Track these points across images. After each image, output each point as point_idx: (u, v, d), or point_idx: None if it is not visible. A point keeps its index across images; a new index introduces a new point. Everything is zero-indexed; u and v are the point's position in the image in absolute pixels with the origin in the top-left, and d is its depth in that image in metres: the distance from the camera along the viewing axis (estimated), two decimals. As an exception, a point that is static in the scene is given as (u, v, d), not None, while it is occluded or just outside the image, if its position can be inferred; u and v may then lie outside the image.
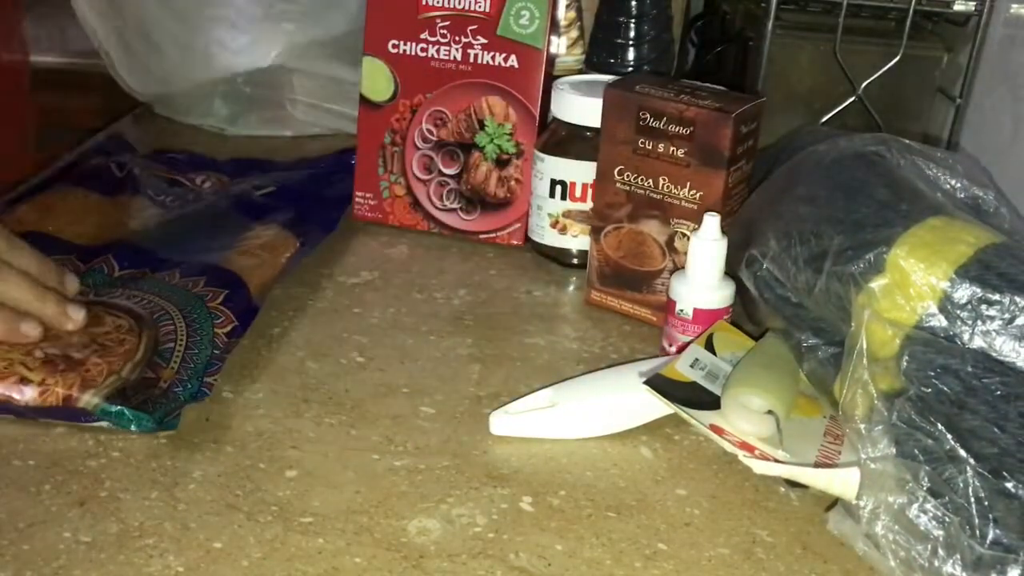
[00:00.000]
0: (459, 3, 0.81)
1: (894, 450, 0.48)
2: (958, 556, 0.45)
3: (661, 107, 0.67)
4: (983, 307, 0.50)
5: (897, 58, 0.81)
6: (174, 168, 0.87)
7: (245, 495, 0.52)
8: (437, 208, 0.84)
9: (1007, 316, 0.49)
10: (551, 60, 0.84)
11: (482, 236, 0.84)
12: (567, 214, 0.78)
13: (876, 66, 0.81)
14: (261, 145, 0.99)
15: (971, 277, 0.50)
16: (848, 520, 0.50)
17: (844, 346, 0.53)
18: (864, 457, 0.49)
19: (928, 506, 0.46)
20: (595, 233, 0.73)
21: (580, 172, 0.76)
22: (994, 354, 0.49)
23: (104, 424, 0.56)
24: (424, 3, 0.81)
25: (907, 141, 0.62)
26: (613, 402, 0.60)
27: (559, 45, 0.95)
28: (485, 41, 0.81)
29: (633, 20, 0.92)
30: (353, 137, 0.87)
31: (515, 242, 0.83)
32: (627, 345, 0.70)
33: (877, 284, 0.52)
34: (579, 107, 0.76)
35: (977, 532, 0.45)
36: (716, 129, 0.65)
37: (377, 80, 0.84)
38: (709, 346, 0.62)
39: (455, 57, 0.82)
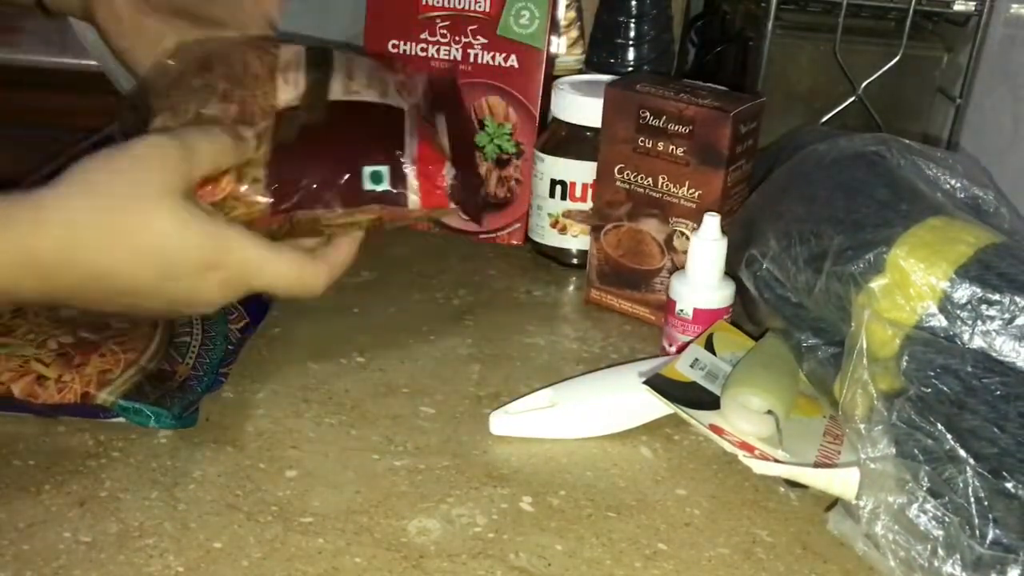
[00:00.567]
0: (459, 3, 0.81)
1: (894, 450, 0.48)
2: (958, 556, 0.45)
3: (661, 105, 0.67)
4: (983, 307, 0.50)
5: (897, 58, 0.81)
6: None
7: (245, 495, 0.52)
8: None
9: (1007, 316, 0.49)
10: (551, 60, 0.84)
11: (482, 236, 0.84)
12: (567, 214, 0.78)
13: (876, 66, 0.81)
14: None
15: (971, 277, 0.50)
16: (848, 520, 0.50)
17: (844, 346, 0.53)
18: (864, 457, 0.49)
19: (928, 506, 0.46)
20: (595, 232, 0.73)
21: (580, 172, 0.76)
22: (994, 354, 0.49)
23: (122, 420, 0.56)
24: (424, 3, 0.81)
25: (907, 141, 0.62)
26: (613, 402, 0.60)
27: (559, 45, 0.95)
28: (485, 41, 0.81)
29: (633, 20, 0.92)
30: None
31: (515, 242, 0.83)
32: (627, 345, 0.70)
33: (877, 284, 0.52)
34: (579, 107, 0.76)
35: (977, 532, 0.45)
36: (715, 128, 0.65)
37: (377, 80, 0.84)
38: (709, 346, 0.62)
39: (455, 57, 0.82)
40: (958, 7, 0.82)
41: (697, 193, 0.67)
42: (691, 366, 0.60)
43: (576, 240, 0.78)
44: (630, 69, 0.92)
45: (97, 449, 0.55)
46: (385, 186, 0.61)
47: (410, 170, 0.61)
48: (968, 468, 0.46)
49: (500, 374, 0.65)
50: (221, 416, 0.59)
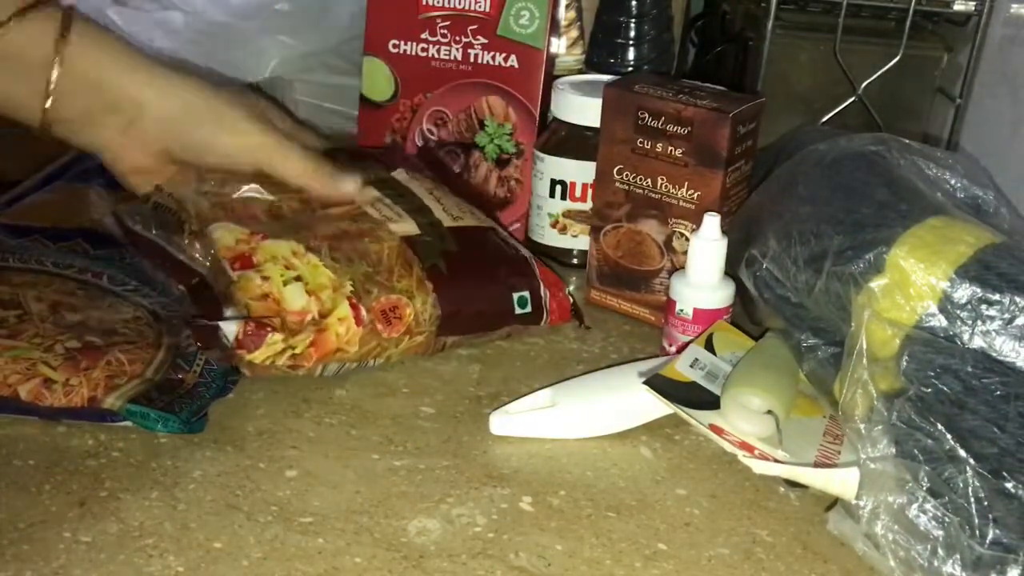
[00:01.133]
0: (459, 3, 0.81)
1: (894, 450, 0.48)
2: (958, 556, 0.45)
3: (660, 106, 0.67)
4: (983, 307, 0.50)
5: (897, 58, 0.81)
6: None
7: (245, 495, 0.52)
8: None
9: (1007, 316, 0.49)
10: (551, 60, 0.84)
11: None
12: (567, 214, 0.78)
13: (876, 66, 0.81)
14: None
15: (971, 277, 0.50)
16: (848, 520, 0.50)
17: (844, 346, 0.53)
18: (864, 457, 0.49)
19: (928, 506, 0.46)
20: (594, 232, 0.73)
21: (580, 172, 0.76)
22: (994, 354, 0.49)
23: (129, 424, 0.56)
24: (424, 3, 0.81)
25: (907, 141, 0.62)
26: (613, 402, 0.60)
27: (559, 45, 0.95)
28: (485, 41, 0.81)
29: (633, 20, 0.92)
30: (354, 137, 0.88)
31: (515, 242, 0.83)
32: (627, 345, 0.70)
33: (877, 284, 0.52)
34: (579, 107, 0.76)
35: (977, 532, 0.45)
36: (714, 129, 0.65)
37: (377, 80, 0.84)
38: (709, 346, 0.62)
39: (455, 57, 0.82)
40: (958, 7, 0.82)
41: (696, 194, 0.67)
42: (691, 366, 0.60)
43: (576, 240, 0.78)
44: (630, 69, 0.92)
45: (97, 449, 0.55)
46: (528, 309, 0.67)
47: (544, 292, 0.68)
48: (968, 468, 0.46)
49: (500, 374, 0.65)
50: (221, 416, 0.59)
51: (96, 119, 0.62)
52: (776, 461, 0.54)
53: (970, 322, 0.50)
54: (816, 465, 0.54)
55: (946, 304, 0.50)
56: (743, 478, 0.56)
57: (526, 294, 0.67)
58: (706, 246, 0.64)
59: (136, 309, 0.63)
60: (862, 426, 0.50)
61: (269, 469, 0.55)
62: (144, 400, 0.56)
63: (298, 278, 0.60)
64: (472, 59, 0.81)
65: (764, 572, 0.50)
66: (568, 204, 0.77)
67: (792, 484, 0.55)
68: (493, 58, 0.81)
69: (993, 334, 0.49)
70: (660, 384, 0.58)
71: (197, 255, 0.63)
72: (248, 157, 0.65)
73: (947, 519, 0.46)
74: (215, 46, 0.91)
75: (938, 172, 0.61)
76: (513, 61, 0.81)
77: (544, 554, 0.50)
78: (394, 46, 0.83)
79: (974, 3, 0.81)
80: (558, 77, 0.81)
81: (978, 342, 0.50)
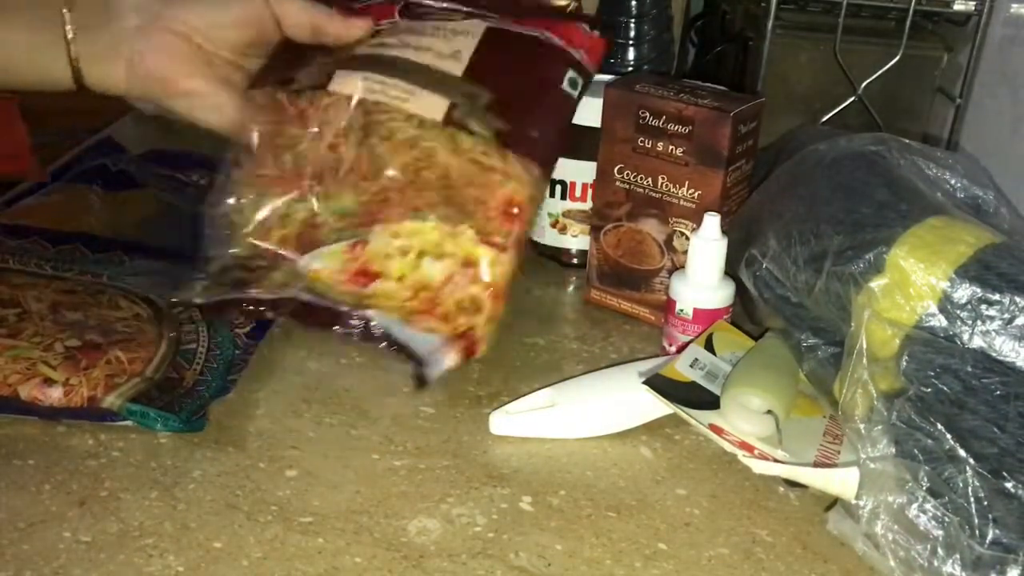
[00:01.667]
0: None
1: (894, 450, 0.48)
2: (958, 556, 0.45)
3: (660, 106, 0.67)
4: (983, 307, 0.50)
5: (897, 58, 0.81)
6: (174, 166, 0.87)
7: (245, 495, 0.52)
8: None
9: (1007, 316, 0.49)
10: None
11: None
12: (567, 214, 0.78)
13: (876, 66, 0.81)
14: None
15: (971, 277, 0.50)
16: (848, 520, 0.50)
17: (844, 346, 0.53)
18: (864, 457, 0.49)
19: (928, 506, 0.46)
20: (595, 232, 0.73)
21: (580, 172, 0.76)
22: (994, 354, 0.49)
23: (129, 423, 0.56)
24: (424, 2, 0.81)
25: (907, 141, 0.62)
26: (613, 402, 0.60)
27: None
28: None
29: (633, 20, 0.92)
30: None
31: (515, 242, 0.83)
32: (627, 345, 0.70)
33: (877, 284, 0.52)
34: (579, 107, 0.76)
35: (977, 532, 0.45)
36: (715, 128, 0.65)
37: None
38: (709, 346, 0.62)
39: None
40: (958, 7, 0.82)
41: (697, 193, 0.67)
42: (691, 366, 0.60)
43: (576, 240, 0.78)
44: (630, 69, 0.92)
45: (97, 449, 0.55)
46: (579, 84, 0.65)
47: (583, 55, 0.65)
48: (968, 468, 0.46)
49: (500, 374, 0.65)
50: (222, 416, 0.59)
51: (115, 30, 0.60)
52: (776, 461, 0.54)
53: (970, 322, 0.50)
54: (816, 465, 0.54)
55: (946, 304, 0.50)
56: (743, 478, 0.56)
57: (573, 75, 0.64)
58: (706, 246, 0.64)
59: (135, 304, 0.63)
60: (862, 426, 0.50)
61: (269, 469, 0.55)
62: (144, 399, 0.56)
63: (420, 253, 0.60)
64: None
65: (764, 572, 0.50)
66: (568, 204, 0.77)
67: (792, 484, 0.55)
68: None
69: (993, 334, 0.49)
70: (660, 384, 0.58)
71: (294, 294, 0.60)
72: (257, 11, 0.63)
73: (947, 519, 0.46)
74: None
75: (938, 172, 0.61)
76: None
77: (544, 554, 0.50)
78: None
79: (974, 3, 0.81)
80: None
81: (978, 342, 0.50)
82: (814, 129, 0.76)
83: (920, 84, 0.86)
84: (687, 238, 0.68)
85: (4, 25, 0.59)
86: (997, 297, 0.50)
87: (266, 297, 0.60)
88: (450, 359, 0.59)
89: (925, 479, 0.47)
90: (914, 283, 0.51)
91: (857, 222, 0.55)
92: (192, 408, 0.56)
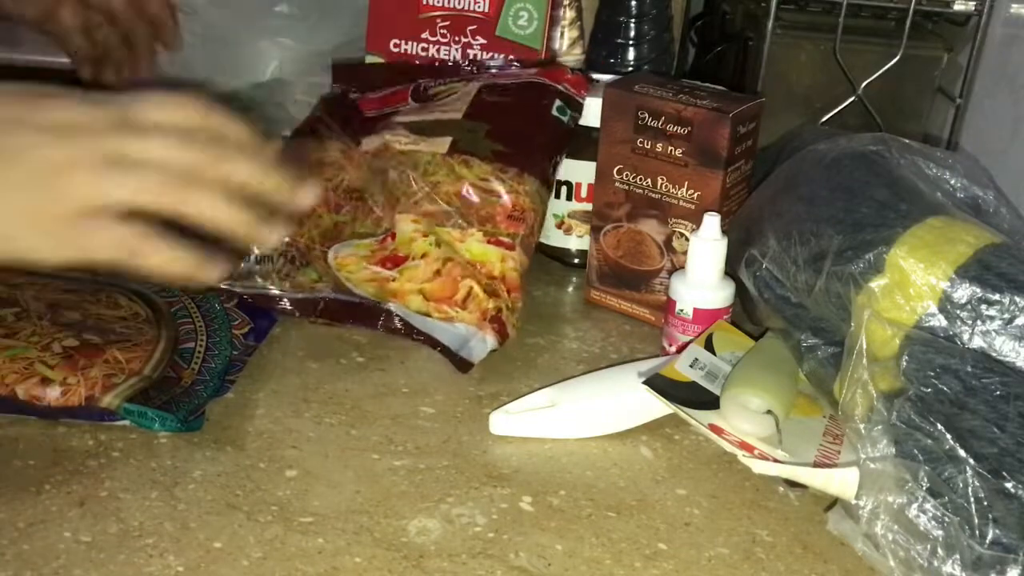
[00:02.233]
0: (459, 3, 0.81)
1: (894, 450, 0.48)
2: (958, 556, 0.45)
3: (659, 106, 0.67)
4: (983, 307, 0.50)
5: (897, 58, 0.81)
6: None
7: (245, 495, 0.52)
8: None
9: (1007, 316, 0.49)
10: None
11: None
12: (572, 214, 0.78)
13: (876, 66, 0.81)
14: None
15: (971, 277, 0.50)
16: (848, 520, 0.50)
17: (844, 346, 0.53)
18: (864, 457, 0.49)
19: (928, 506, 0.46)
20: (594, 232, 0.73)
21: (586, 173, 0.76)
22: (994, 354, 0.49)
23: (127, 423, 0.56)
24: (424, 3, 0.82)
25: (907, 141, 0.62)
26: (613, 402, 0.60)
27: (560, 45, 0.94)
28: (484, 41, 0.81)
29: (633, 20, 0.92)
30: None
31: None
32: (627, 345, 0.70)
33: (877, 284, 0.52)
34: (584, 108, 0.76)
35: (977, 532, 0.45)
36: (714, 129, 0.65)
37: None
38: (709, 346, 0.62)
39: (455, 57, 0.82)
40: (958, 7, 0.82)
41: (696, 194, 0.67)
42: (691, 366, 0.60)
43: (581, 240, 0.78)
44: (630, 69, 0.92)
45: (97, 449, 0.55)
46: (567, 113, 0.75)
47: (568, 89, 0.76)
48: (968, 468, 0.46)
49: (500, 374, 0.65)
50: (221, 416, 0.59)
51: None
52: (776, 461, 0.54)
53: (970, 322, 0.50)
54: (816, 465, 0.54)
55: (946, 304, 0.50)
56: (743, 478, 0.56)
57: (561, 103, 0.74)
58: (706, 246, 0.64)
59: (134, 302, 0.63)
60: (862, 426, 0.50)
61: (269, 469, 0.55)
62: (141, 398, 0.56)
63: (437, 242, 0.68)
64: (471, 59, 0.81)
65: (764, 572, 0.50)
66: (573, 205, 0.77)
67: (792, 484, 0.55)
68: (492, 58, 0.81)
69: (993, 334, 0.49)
70: (660, 384, 0.58)
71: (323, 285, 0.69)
72: None
73: (947, 519, 0.46)
74: (216, 47, 0.91)
75: (938, 172, 0.61)
76: (513, 61, 0.81)
77: (544, 554, 0.50)
78: (395, 45, 0.83)
79: (974, 3, 0.81)
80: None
81: (978, 342, 0.50)
82: (814, 129, 0.76)
83: (920, 84, 0.85)
84: (687, 238, 0.68)
85: None
86: (997, 297, 0.50)
87: (296, 296, 0.68)
88: (490, 340, 0.65)
89: (925, 479, 0.47)
90: (914, 283, 0.51)
91: (857, 222, 0.55)
92: (190, 408, 0.56)
